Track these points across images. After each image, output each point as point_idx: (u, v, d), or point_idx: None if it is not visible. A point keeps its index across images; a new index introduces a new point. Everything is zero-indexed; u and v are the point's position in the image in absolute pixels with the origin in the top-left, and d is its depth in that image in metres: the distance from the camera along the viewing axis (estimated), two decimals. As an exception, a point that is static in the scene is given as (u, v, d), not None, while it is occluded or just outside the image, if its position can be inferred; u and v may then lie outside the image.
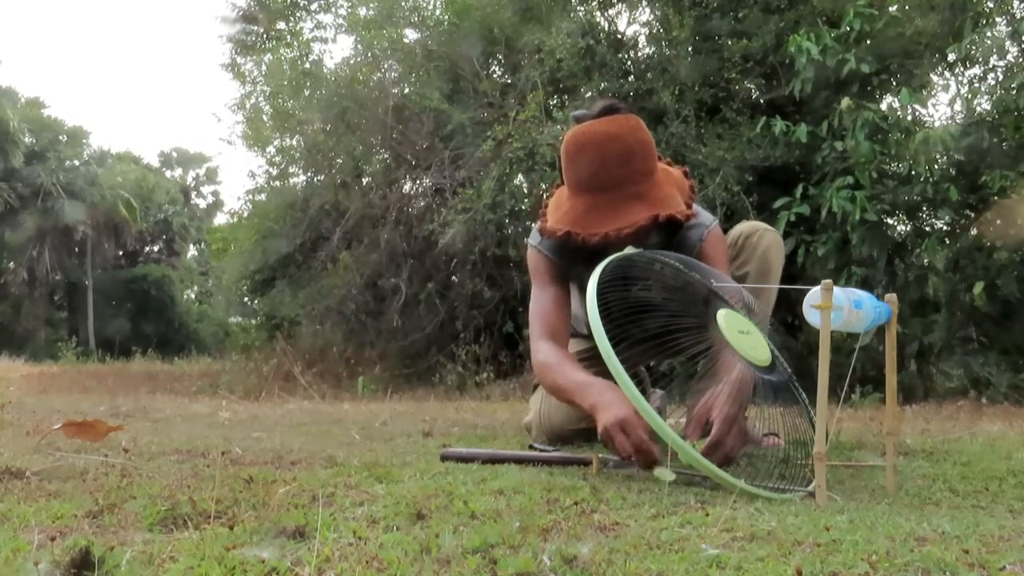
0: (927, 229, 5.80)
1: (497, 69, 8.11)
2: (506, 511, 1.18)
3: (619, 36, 7.63)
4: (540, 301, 1.97)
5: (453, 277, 7.60)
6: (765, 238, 2.08)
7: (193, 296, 30.36)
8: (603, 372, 1.76)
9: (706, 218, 1.97)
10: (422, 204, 7.98)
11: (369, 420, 2.97)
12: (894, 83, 6.03)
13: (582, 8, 7.74)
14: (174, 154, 35.35)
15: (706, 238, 1.93)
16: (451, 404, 4.47)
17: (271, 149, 9.05)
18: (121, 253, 28.90)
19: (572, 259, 1.92)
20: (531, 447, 1.90)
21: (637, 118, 1.85)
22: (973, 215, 5.62)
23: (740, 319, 1.53)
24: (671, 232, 1.89)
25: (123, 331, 23.82)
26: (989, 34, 5.43)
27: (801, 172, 5.97)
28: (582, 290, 1.99)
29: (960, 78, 6.21)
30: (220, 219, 29.10)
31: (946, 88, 6.50)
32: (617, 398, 1.57)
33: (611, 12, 7.86)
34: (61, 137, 27.01)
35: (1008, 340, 5.45)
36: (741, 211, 5.87)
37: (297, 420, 3.01)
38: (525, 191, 6.93)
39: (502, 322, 7.09)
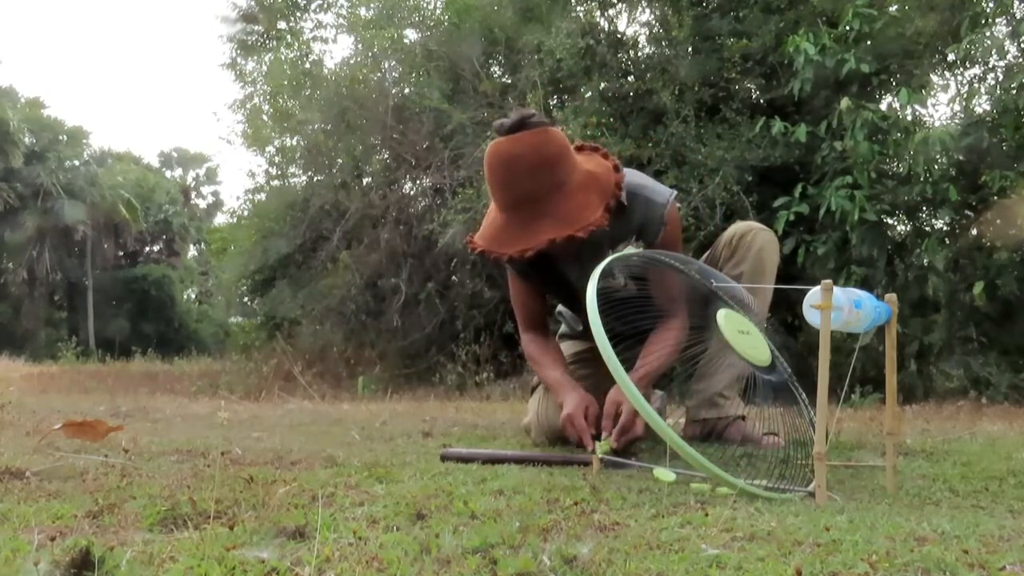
0: (927, 229, 5.79)
1: (497, 69, 8.11)
2: (506, 511, 1.18)
3: (619, 36, 7.62)
4: (515, 290, 2.14)
5: (453, 277, 7.59)
6: (760, 237, 2.09)
7: (193, 296, 30.37)
8: (598, 372, 1.76)
9: (661, 195, 1.96)
10: (422, 204, 7.99)
11: (369, 420, 2.97)
12: (894, 83, 6.02)
13: (582, 8, 7.74)
14: (174, 154, 35.39)
15: (667, 219, 1.95)
16: (451, 404, 4.47)
17: (271, 149, 9.06)
18: (121, 253, 28.89)
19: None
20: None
21: (547, 131, 1.82)
22: (973, 215, 5.61)
23: (740, 319, 1.53)
24: (624, 210, 1.91)
25: (123, 331, 23.81)
26: (988, 34, 5.42)
27: (800, 172, 5.95)
28: (562, 286, 2.03)
29: (960, 78, 6.20)
30: (220, 219, 29.17)
31: (946, 88, 6.48)
32: (572, 397, 1.83)
33: (611, 12, 7.85)
34: (61, 137, 27.00)
35: (1008, 340, 5.44)
36: (741, 211, 5.87)
37: (297, 420, 3.01)
38: (525, 191, 6.91)
39: (502, 322, 7.08)
